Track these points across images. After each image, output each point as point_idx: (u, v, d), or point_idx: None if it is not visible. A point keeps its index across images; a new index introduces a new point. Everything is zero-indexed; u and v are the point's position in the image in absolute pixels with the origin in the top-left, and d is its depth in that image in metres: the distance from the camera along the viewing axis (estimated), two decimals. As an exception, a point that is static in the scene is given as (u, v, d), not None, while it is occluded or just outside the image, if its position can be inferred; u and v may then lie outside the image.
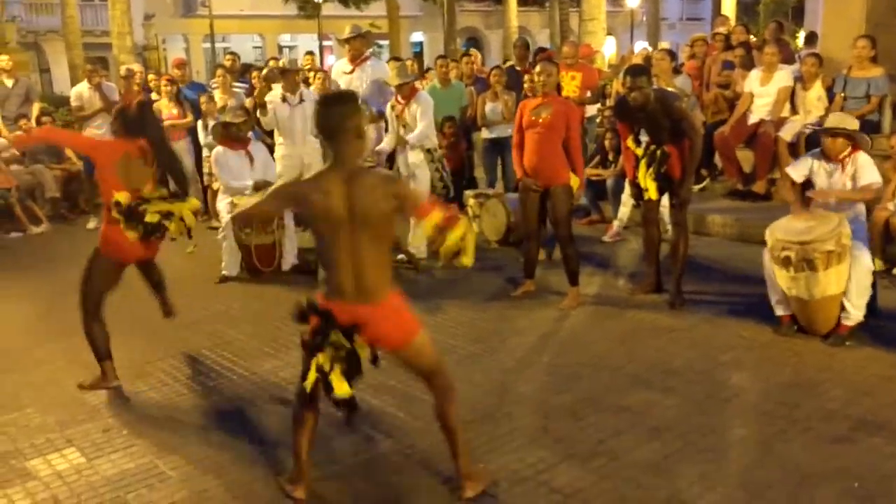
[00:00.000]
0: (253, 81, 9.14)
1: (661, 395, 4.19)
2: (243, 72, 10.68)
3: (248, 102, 8.58)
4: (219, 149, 6.98)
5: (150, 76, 9.46)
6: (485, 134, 8.89)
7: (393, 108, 6.90)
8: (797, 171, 5.20)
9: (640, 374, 4.49)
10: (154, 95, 9.21)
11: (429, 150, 6.99)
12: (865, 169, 4.89)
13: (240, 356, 5.00)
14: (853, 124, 5.03)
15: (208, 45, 29.95)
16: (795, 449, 3.60)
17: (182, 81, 9.63)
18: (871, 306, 4.91)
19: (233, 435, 3.94)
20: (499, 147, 8.60)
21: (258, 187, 6.71)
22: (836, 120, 5.09)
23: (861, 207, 5.07)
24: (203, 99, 8.78)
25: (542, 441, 3.75)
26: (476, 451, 3.64)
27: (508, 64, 10.36)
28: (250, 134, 7.32)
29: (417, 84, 7.17)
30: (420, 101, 6.84)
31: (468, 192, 7.95)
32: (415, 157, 6.90)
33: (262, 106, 7.44)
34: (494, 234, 7.51)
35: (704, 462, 3.52)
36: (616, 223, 7.62)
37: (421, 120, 6.78)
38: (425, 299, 6.01)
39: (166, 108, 8.96)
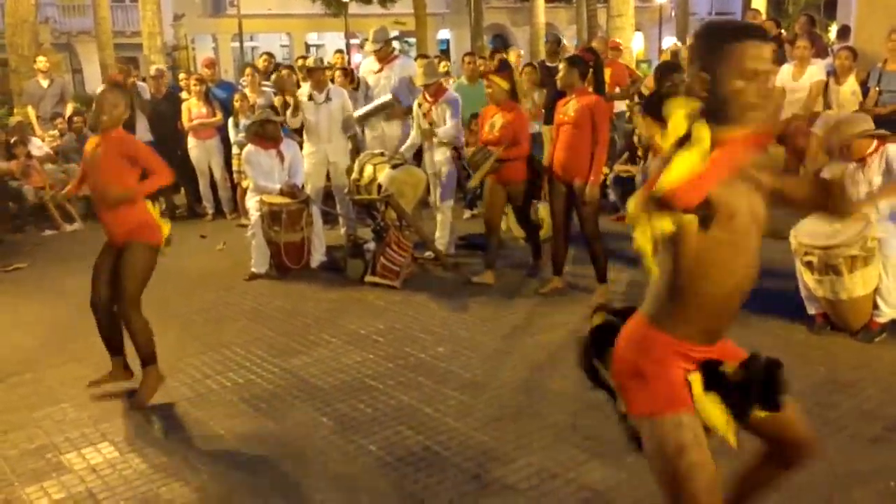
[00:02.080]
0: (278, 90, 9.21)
1: (692, 393, 4.15)
2: (272, 71, 10.76)
3: (276, 101, 8.64)
4: (250, 147, 7.02)
5: (182, 75, 9.55)
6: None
7: (420, 105, 6.90)
8: (832, 173, 5.10)
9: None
10: (184, 95, 9.30)
11: (456, 149, 6.98)
12: (892, 155, 4.79)
13: (269, 352, 5.03)
14: (866, 124, 4.90)
15: (236, 44, 30.19)
16: (831, 449, 3.53)
17: (212, 81, 9.73)
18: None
19: (263, 431, 3.97)
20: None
21: (284, 192, 6.75)
22: (850, 123, 4.96)
23: (893, 202, 4.97)
24: (236, 97, 8.85)
25: (571, 439, 3.73)
26: (505, 449, 3.65)
27: (540, 60, 10.33)
28: (281, 132, 7.37)
29: (444, 82, 7.15)
30: (448, 101, 6.82)
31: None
32: (441, 156, 6.90)
33: (296, 107, 7.44)
34: (519, 230, 7.48)
35: (738, 461, 3.47)
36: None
37: (451, 119, 6.77)
38: (452, 296, 6.02)
39: (196, 107, 9.05)
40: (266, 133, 7.01)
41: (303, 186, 7.09)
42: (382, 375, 4.58)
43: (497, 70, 7.25)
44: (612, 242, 6.79)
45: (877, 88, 7.54)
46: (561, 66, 5.79)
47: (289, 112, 7.48)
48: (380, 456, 3.66)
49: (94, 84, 23.78)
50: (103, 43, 18.61)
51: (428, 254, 6.90)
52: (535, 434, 3.79)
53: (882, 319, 4.70)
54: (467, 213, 8.77)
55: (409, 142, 7.10)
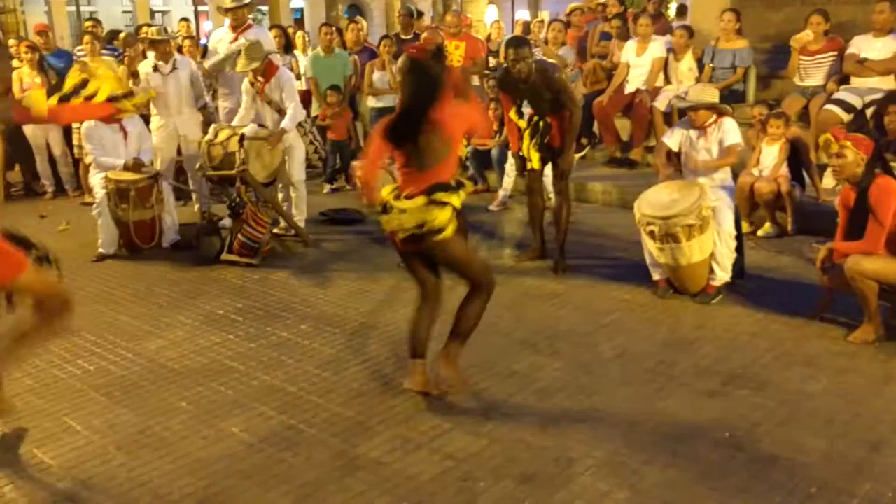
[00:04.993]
0: (124, 50, 8.70)
1: (548, 359, 4.34)
2: (110, 39, 10.13)
3: (120, 71, 8.16)
4: (90, 122, 6.58)
5: (11, 41, 8.82)
6: (372, 103, 8.84)
7: (253, 85, 6.58)
8: (671, 140, 5.44)
9: (527, 338, 4.63)
10: (14, 63, 8.61)
11: (300, 124, 6.80)
12: (729, 133, 5.18)
13: (122, 337, 4.82)
14: (713, 96, 5.30)
15: (72, 8, 28.15)
16: (674, 404, 3.81)
17: (46, 49, 9.06)
18: (739, 267, 5.25)
19: (119, 420, 3.81)
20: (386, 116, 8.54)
21: (128, 167, 6.42)
22: (696, 94, 5.34)
23: (727, 173, 5.36)
24: (76, 67, 8.26)
25: (434, 408, 3.81)
26: (369, 423, 3.69)
27: (394, 33, 10.29)
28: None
29: (276, 59, 6.82)
30: (282, 79, 6.54)
31: (356, 163, 7.88)
32: (289, 133, 6.67)
33: (135, 75, 7.10)
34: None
35: (591, 421, 3.68)
36: (501, 192, 7.76)
37: (289, 100, 6.49)
38: (314, 272, 5.97)
39: (28, 77, 8.41)
40: None
41: (151, 162, 6.77)
42: (243, 356, 4.50)
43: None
44: (469, 215, 6.93)
45: (710, 65, 8.06)
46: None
47: (130, 82, 7.08)
48: (243, 438, 3.60)
49: None
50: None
51: (286, 227, 6.78)
52: (399, 407, 3.85)
53: (717, 283, 5.09)
54: (327, 188, 8.67)
55: (239, 114, 6.72)
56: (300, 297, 5.47)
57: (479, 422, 3.69)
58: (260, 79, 6.50)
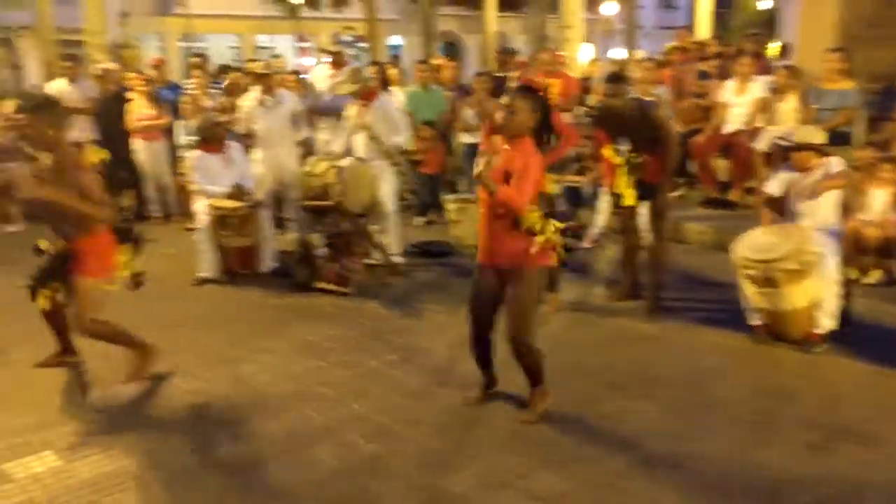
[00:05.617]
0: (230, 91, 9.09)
1: (639, 402, 4.23)
2: (219, 73, 10.63)
3: (226, 102, 8.54)
4: (196, 152, 6.90)
5: (131, 75, 9.34)
6: (465, 139, 8.92)
7: (352, 111, 6.76)
8: (774, 186, 5.29)
9: (617, 380, 4.53)
10: (131, 94, 9.11)
11: (392, 155, 6.90)
12: (836, 168, 5.04)
13: (218, 360, 4.96)
14: (820, 138, 5.13)
15: (184, 44, 29.69)
16: (772, 457, 3.65)
17: (160, 81, 9.55)
18: (845, 315, 5.01)
19: (210, 441, 3.92)
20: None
21: (233, 196, 6.67)
22: (802, 135, 5.18)
23: (833, 218, 5.16)
24: (185, 100, 8.71)
25: (519, 447, 3.77)
26: (453, 455, 3.67)
27: (487, 70, 10.42)
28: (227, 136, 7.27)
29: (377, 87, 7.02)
30: (383, 104, 6.70)
31: (448, 197, 7.97)
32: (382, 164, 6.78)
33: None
34: (474, 238, 7.51)
35: (683, 469, 3.56)
36: (594, 230, 7.67)
37: (393, 121, 6.69)
38: (404, 303, 6.03)
39: (142, 108, 8.87)
40: (214, 136, 6.92)
41: (252, 190, 7.02)
42: (333, 383, 4.56)
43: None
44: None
45: (814, 106, 7.80)
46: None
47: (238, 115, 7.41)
48: (331, 465, 3.64)
49: (35, 80, 23.14)
50: (44, 39, 18.12)
51: (379, 258, 6.88)
52: (485, 441, 3.82)
53: (821, 331, 4.86)
54: (419, 221, 8.78)
55: (339, 144, 6.89)
56: (390, 327, 5.53)
57: (567, 462, 3.62)
58: (361, 103, 6.68)
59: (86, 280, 4.28)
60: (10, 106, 10.23)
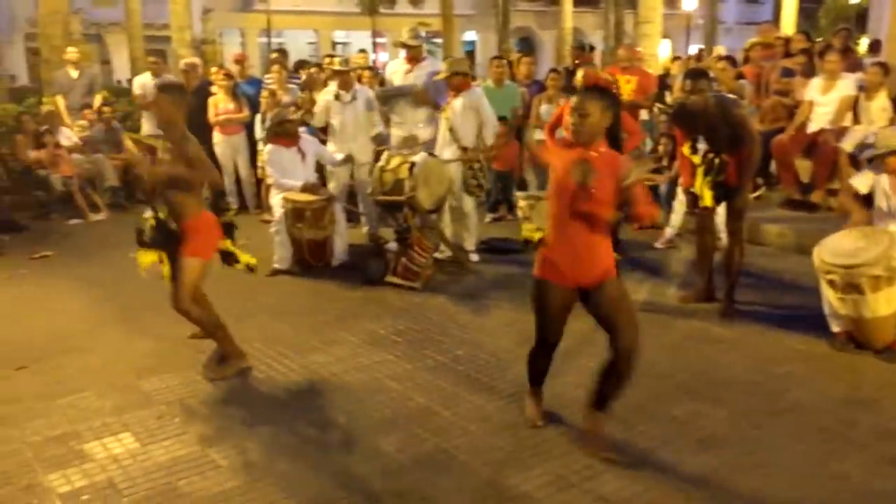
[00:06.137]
0: (305, 86, 9.25)
1: (710, 407, 4.13)
2: (297, 68, 10.81)
3: (305, 96, 8.69)
4: (271, 146, 7.06)
5: (213, 69, 9.61)
6: (538, 135, 8.85)
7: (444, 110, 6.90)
8: (861, 181, 5.08)
9: (689, 383, 4.44)
10: (213, 89, 9.36)
11: (464, 149, 6.94)
12: None
13: (289, 349, 5.06)
14: None
15: (263, 39, 30.36)
16: (850, 468, 3.51)
17: (240, 76, 9.78)
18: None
19: (281, 427, 4.00)
20: (552, 149, 8.56)
21: (306, 189, 6.79)
22: (885, 138, 4.96)
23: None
24: (264, 94, 8.91)
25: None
26: (521, 456, 3.65)
27: (562, 66, 10.31)
28: (301, 129, 7.40)
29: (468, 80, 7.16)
30: (473, 95, 6.87)
31: (519, 194, 7.92)
32: (450, 153, 6.88)
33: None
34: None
35: (756, 477, 3.46)
36: (669, 229, 7.52)
37: (484, 112, 6.90)
38: (473, 299, 6.03)
39: (222, 103, 9.11)
40: (285, 131, 7.06)
41: (325, 184, 7.13)
42: (400, 376, 4.60)
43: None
44: (633, 251, 6.78)
45: (907, 105, 7.47)
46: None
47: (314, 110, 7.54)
48: (397, 458, 3.67)
49: (122, 74, 24.02)
50: (133, 35, 18.78)
51: (448, 254, 6.91)
52: (552, 441, 3.79)
53: (906, 340, 4.66)
54: (489, 217, 8.77)
55: (426, 132, 7.17)
56: (457, 322, 5.54)
57: (635, 466, 3.56)
58: (451, 93, 6.78)
59: (192, 259, 4.46)
60: (99, 99, 10.70)
